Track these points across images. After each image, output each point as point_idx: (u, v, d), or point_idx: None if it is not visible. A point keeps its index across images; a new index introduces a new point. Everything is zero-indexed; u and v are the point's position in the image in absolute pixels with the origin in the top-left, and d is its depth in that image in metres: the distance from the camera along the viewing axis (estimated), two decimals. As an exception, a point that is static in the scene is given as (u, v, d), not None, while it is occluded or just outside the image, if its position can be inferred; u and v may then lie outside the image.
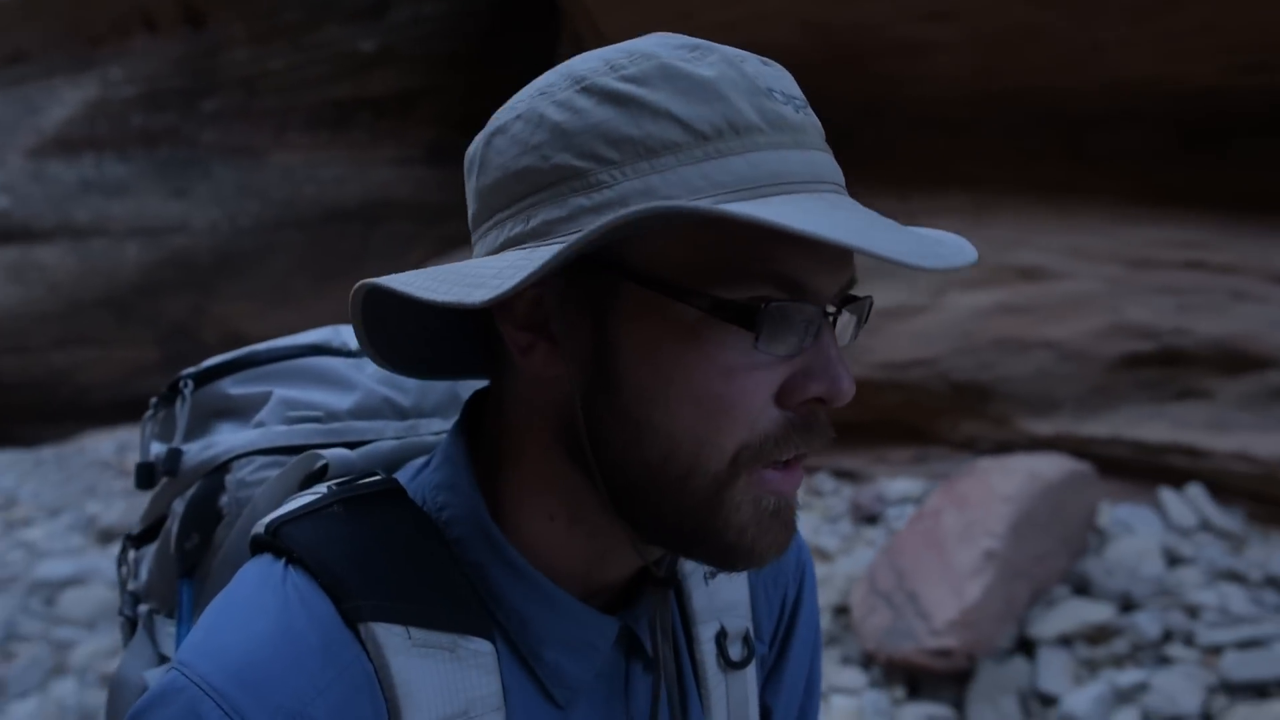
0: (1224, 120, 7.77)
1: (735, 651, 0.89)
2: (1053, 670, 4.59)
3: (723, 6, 10.31)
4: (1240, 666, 4.46)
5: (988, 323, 7.43)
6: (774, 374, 0.67)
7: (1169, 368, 6.46)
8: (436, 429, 0.96)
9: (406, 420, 0.96)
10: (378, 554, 0.72)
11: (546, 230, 0.65)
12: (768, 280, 0.64)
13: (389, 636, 0.68)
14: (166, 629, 0.95)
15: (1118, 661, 4.72)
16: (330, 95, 13.51)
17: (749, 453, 0.67)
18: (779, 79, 0.69)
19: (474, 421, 0.80)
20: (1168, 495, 6.01)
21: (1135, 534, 5.68)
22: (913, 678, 4.68)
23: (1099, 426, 6.27)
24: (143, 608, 0.98)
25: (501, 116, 0.71)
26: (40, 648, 5.90)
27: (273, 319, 13.00)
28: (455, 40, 13.46)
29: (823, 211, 0.62)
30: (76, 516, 8.73)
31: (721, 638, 0.88)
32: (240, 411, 0.98)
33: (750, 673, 0.90)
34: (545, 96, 0.68)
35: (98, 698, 5.12)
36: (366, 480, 0.79)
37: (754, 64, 0.68)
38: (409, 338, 0.79)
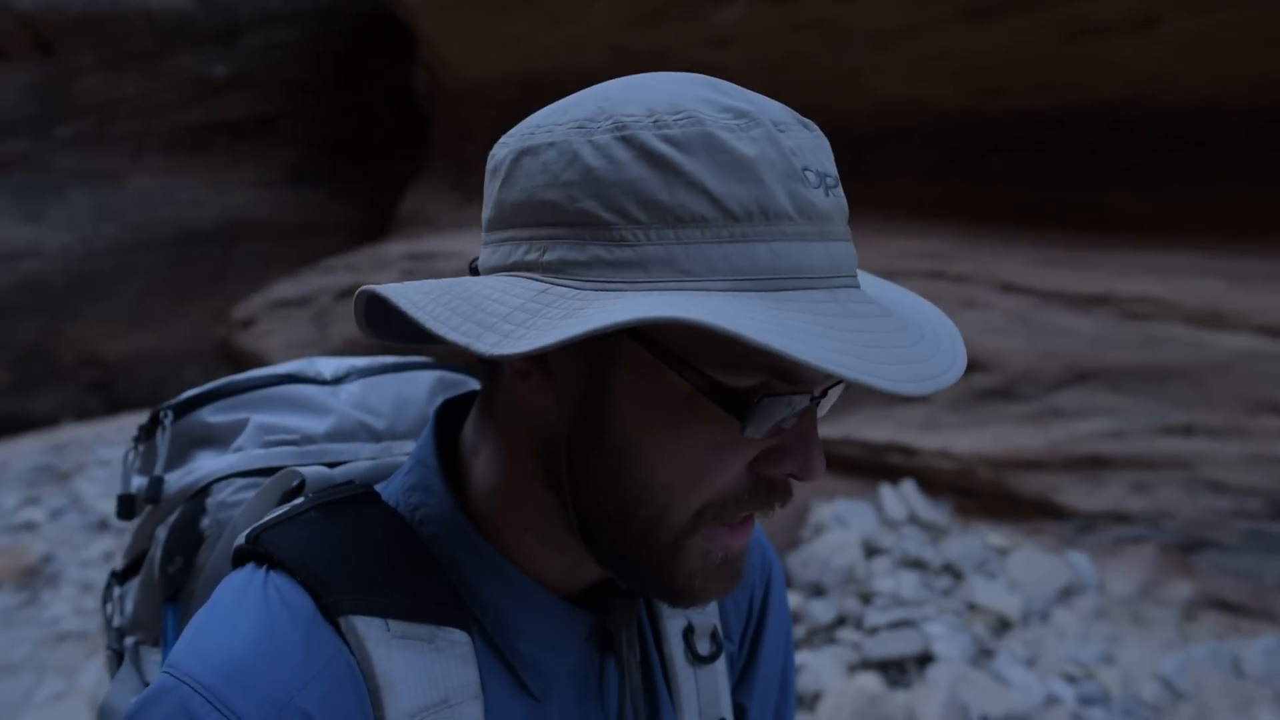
0: (980, 139, 8.22)
1: (703, 647, 0.90)
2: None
3: (542, 33, 10.65)
4: (880, 645, 4.83)
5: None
6: (754, 447, 0.68)
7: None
8: (410, 450, 0.96)
9: (381, 442, 0.97)
10: (354, 552, 0.73)
11: (561, 268, 0.65)
12: (765, 371, 0.64)
13: (369, 629, 0.69)
14: (152, 658, 0.96)
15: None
16: (186, 120, 13.61)
17: (712, 510, 0.69)
18: (815, 153, 0.68)
19: (447, 427, 0.82)
20: (885, 491, 6.39)
21: (847, 528, 6.04)
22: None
23: (833, 428, 6.62)
24: (129, 640, 0.99)
25: (535, 136, 0.69)
26: None
27: (132, 339, 13.08)
28: (309, 65, 13.66)
29: (830, 321, 0.62)
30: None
31: (689, 633, 0.89)
32: (219, 439, 0.98)
33: (719, 668, 0.91)
34: (583, 133, 0.66)
35: None
36: (341, 486, 0.82)
37: (794, 135, 0.67)
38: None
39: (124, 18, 13.15)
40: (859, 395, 7.12)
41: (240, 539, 0.76)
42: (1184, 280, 6.47)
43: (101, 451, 9.17)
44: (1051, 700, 4.58)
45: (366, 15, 13.48)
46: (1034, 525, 5.99)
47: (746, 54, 8.81)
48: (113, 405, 11.79)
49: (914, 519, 6.25)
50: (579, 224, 0.65)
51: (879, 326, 0.64)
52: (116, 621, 1.01)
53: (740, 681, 0.97)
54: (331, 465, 0.91)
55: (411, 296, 0.67)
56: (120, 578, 1.03)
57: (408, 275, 10.66)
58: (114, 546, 6.90)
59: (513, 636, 0.75)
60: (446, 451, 0.80)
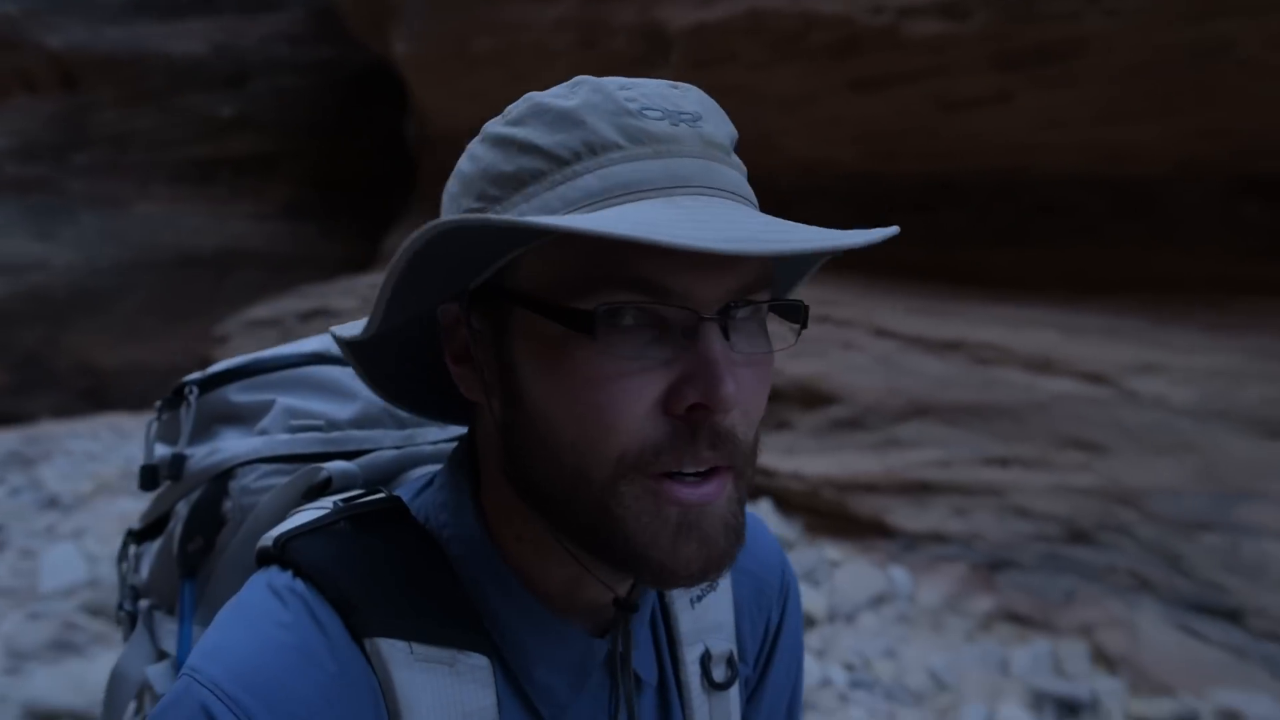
0: (883, 199, 8.83)
1: (719, 673, 0.87)
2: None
3: (507, 88, 11.32)
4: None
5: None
6: (651, 381, 0.64)
7: (772, 403, 7.38)
8: (434, 438, 0.95)
9: (405, 429, 0.94)
10: (383, 572, 0.72)
11: None
12: (627, 287, 0.62)
13: (392, 651, 0.68)
14: (167, 625, 0.95)
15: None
16: (192, 154, 14.57)
17: (629, 459, 0.64)
18: (671, 99, 0.68)
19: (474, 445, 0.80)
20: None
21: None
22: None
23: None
24: (143, 603, 0.98)
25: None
26: None
27: (124, 352, 13.86)
28: (312, 110, 14.64)
29: (646, 212, 0.61)
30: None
31: (706, 659, 0.87)
32: (243, 418, 0.96)
33: (733, 694, 0.89)
34: (464, 153, 0.71)
35: None
36: (371, 499, 0.79)
37: (642, 89, 0.68)
38: (403, 374, 0.81)
39: (143, 59, 14.22)
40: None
41: (267, 541, 0.74)
42: (1028, 330, 6.99)
43: (69, 443, 9.82)
44: (825, 683, 5.03)
45: (367, 67, 14.39)
46: (868, 542, 6.46)
47: (679, 114, 9.49)
48: (101, 411, 12.49)
49: (765, 533, 6.74)
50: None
51: (715, 212, 0.63)
52: (131, 579, 1.01)
53: (750, 701, 0.95)
54: (356, 454, 0.90)
55: (349, 327, 0.72)
56: (137, 538, 1.02)
57: (366, 303, 11.34)
58: (56, 520, 7.48)
59: (529, 663, 0.74)
60: (478, 472, 0.77)
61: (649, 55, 9.37)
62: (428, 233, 0.61)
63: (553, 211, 0.63)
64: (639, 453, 0.65)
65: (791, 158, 8.93)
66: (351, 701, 0.66)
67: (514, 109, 0.70)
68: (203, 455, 0.95)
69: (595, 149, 0.65)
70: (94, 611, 5.59)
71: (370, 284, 11.71)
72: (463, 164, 0.71)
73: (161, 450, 0.98)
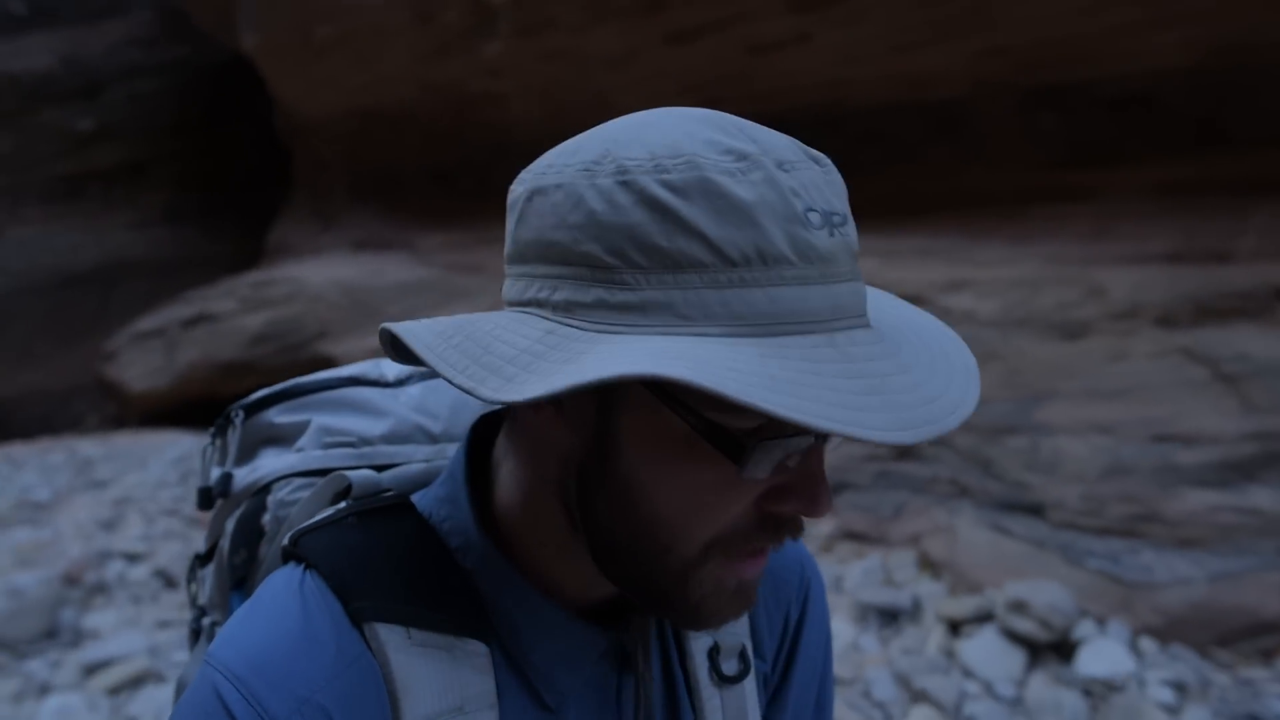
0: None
1: (729, 667, 0.88)
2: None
3: (356, 73, 11.39)
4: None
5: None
6: (759, 486, 0.67)
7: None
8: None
9: (436, 445, 0.97)
10: (383, 560, 0.75)
11: (568, 308, 0.65)
12: (762, 414, 0.60)
13: (390, 635, 0.71)
14: None
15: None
16: (58, 171, 14.27)
17: (721, 545, 0.68)
18: (821, 191, 0.65)
19: (480, 441, 0.82)
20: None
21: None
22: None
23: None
24: (206, 620, 1.03)
25: (546, 176, 0.69)
26: None
27: (20, 380, 13.74)
28: (175, 112, 14.41)
29: (823, 367, 0.61)
30: None
31: (714, 653, 0.87)
32: (284, 438, 1.00)
33: (748, 688, 0.89)
34: (588, 176, 0.66)
35: None
36: (381, 495, 0.84)
37: (800, 173, 0.65)
38: None
39: (-12, 80, 13.92)
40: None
41: (285, 539, 0.79)
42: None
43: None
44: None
45: (224, 62, 14.17)
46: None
47: (516, 81, 9.60)
48: (6, 438, 12.45)
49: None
50: (583, 265, 0.65)
51: (879, 371, 0.62)
52: (200, 600, 1.05)
53: (773, 701, 0.95)
54: (386, 467, 0.93)
55: (423, 337, 0.68)
56: (202, 560, 1.06)
57: (245, 302, 11.40)
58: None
59: (528, 649, 0.76)
60: (479, 464, 0.81)
61: (480, 26, 9.44)
62: (642, 376, 0.57)
63: (712, 315, 0.61)
64: (730, 540, 0.68)
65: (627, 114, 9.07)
66: (353, 681, 0.69)
67: (672, 170, 0.63)
68: (246, 473, 1.00)
69: (766, 259, 0.62)
70: None
71: (248, 283, 11.71)
72: (588, 196, 0.65)
73: (216, 472, 1.03)
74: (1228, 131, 6.29)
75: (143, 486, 9.03)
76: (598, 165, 0.66)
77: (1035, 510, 5.44)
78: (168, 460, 9.82)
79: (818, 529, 6.22)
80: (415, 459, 0.95)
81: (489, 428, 0.84)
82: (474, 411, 0.98)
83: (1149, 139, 6.57)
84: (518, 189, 0.72)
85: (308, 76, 11.96)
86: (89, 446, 10.68)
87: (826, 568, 5.75)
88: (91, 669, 5.34)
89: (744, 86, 8.13)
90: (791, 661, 0.95)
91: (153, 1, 14.67)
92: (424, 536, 0.78)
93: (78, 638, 5.90)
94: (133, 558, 7.25)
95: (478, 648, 0.74)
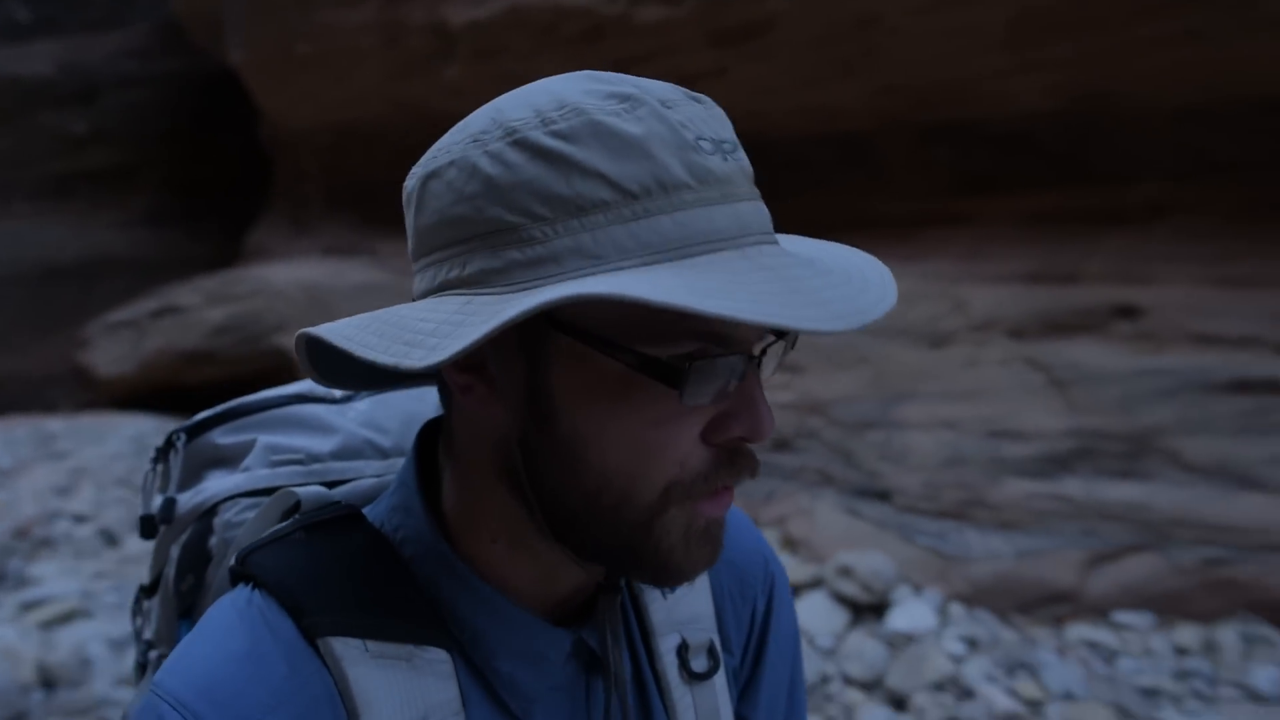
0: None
1: (698, 664, 0.86)
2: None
3: (332, 88, 12.05)
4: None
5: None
6: (700, 416, 0.66)
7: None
8: None
9: (388, 460, 0.94)
10: (334, 573, 0.72)
11: (482, 279, 0.64)
12: (692, 336, 0.62)
13: (346, 649, 0.69)
14: None
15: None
16: (50, 170, 14.94)
17: (679, 489, 0.66)
18: (708, 122, 0.66)
19: (428, 447, 0.80)
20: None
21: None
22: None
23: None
24: (153, 654, 0.98)
25: (437, 159, 0.68)
26: None
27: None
28: (166, 120, 15.14)
29: (743, 276, 0.60)
30: None
31: (683, 650, 0.85)
32: (229, 460, 0.97)
33: (718, 684, 0.87)
34: (478, 145, 0.65)
35: None
36: (328, 507, 0.80)
37: (683, 110, 0.65)
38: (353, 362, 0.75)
39: (-9, 81, 14.70)
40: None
41: (233, 560, 0.76)
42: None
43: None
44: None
45: (215, 75, 14.85)
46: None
47: (476, 102, 10.12)
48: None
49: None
50: (490, 232, 0.64)
51: (797, 275, 0.62)
52: (146, 634, 1.00)
53: (744, 694, 0.94)
54: (337, 483, 0.90)
55: (342, 331, 0.67)
56: (147, 592, 1.01)
57: (210, 296, 12.02)
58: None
59: (490, 655, 0.74)
60: (428, 471, 0.78)
61: (441, 50, 10.10)
62: (565, 300, 0.57)
63: (624, 250, 0.61)
64: (689, 482, 0.67)
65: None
66: (305, 701, 0.67)
67: (558, 119, 0.63)
68: (189, 497, 0.96)
69: (666, 187, 0.62)
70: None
71: (218, 280, 12.33)
72: (482, 163, 0.64)
73: (158, 500, 0.98)
74: (1088, 166, 6.93)
75: (99, 458, 9.47)
76: (486, 134, 0.65)
77: (884, 496, 5.99)
78: (125, 436, 10.30)
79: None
80: (366, 474, 0.92)
81: (434, 438, 0.81)
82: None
83: (1022, 172, 7.21)
84: (409, 183, 0.71)
85: (289, 91, 12.62)
86: (54, 424, 11.19)
87: (699, 542, 6.27)
88: (28, 606, 5.78)
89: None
90: (761, 653, 0.94)
91: (150, 16, 15.47)
92: (376, 546, 0.76)
93: (21, 584, 6.34)
94: (80, 518, 7.70)
95: (439, 655, 0.72)
